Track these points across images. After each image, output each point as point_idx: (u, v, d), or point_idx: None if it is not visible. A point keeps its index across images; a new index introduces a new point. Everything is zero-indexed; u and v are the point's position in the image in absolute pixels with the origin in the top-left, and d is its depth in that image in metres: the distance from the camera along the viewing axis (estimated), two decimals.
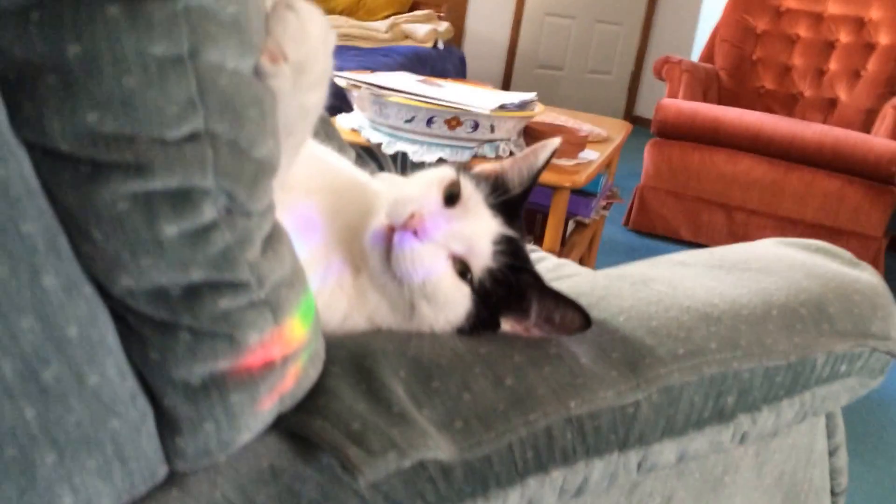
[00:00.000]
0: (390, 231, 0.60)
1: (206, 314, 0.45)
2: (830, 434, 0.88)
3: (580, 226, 2.46)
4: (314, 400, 0.53)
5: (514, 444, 0.55)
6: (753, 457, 0.78)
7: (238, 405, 0.48)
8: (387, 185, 0.67)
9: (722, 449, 0.68)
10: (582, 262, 2.81)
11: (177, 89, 0.40)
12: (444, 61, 4.29)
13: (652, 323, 0.65)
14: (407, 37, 4.35)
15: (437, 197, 0.62)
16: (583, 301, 0.67)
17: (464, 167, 0.67)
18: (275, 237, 0.49)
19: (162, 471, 0.48)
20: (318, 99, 0.53)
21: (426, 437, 0.51)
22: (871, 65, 3.58)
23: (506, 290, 0.62)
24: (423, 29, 4.33)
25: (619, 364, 0.61)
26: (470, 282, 0.61)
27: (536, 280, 0.64)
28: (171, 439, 0.47)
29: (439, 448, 0.51)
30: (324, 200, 0.64)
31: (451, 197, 0.63)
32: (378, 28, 4.29)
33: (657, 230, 3.47)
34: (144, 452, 0.47)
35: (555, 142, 0.68)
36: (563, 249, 2.27)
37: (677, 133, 3.35)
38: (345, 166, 0.72)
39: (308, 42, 0.49)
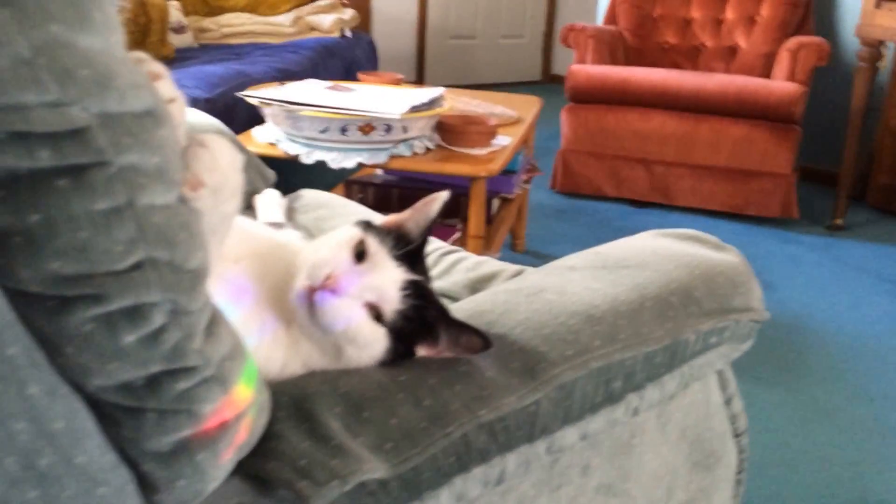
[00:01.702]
0: (311, 291, 0.72)
1: (166, 397, 0.55)
2: (723, 387, 1.02)
3: (506, 201, 2.59)
4: (266, 444, 0.65)
5: (437, 454, 0.68)
6: (656, 419, 0.92)
7: (203, 462, 0.59)
8: (304, 245, 0.79)
9: (618, 423, 0.82)
10: (513, 233, 2.96)
11: (120, 233, 0.51)
12: (353, 49, 4.35)
13: (544, 331, 0.78)
14: (313, 29, 4.40)
15: (347, 256, 0.74)
16: (487, 318, 0.80)
17: (369, 224, 0.79)
18: (214, 322, 0.60)
19: None
20: (234, 206, 0.64)
21: (361, 462, 0.64)
22: (765, 10, 3.77)
23: (416, 325, 0.75)
24: (327, 19, 4.39)
25: (519, 372, 0.74)
26: (384, 324, 0.73)
27: (442, 314, 0.76)
28: (152, 496, 0.58)
29: (374, 469, 0.64)
30: (251, 266, 0.75)
31: (360, 254, 0.75)
32: (282, 23, 4.32)
33: (582, 190, 3.64)
34: None
35: (443, 195, 0.80)
36: (491, 227, 2.39)
37: (590, 97, 3.51)
38: (263, 231, 0.83)
39: (219, 168, 0.60)
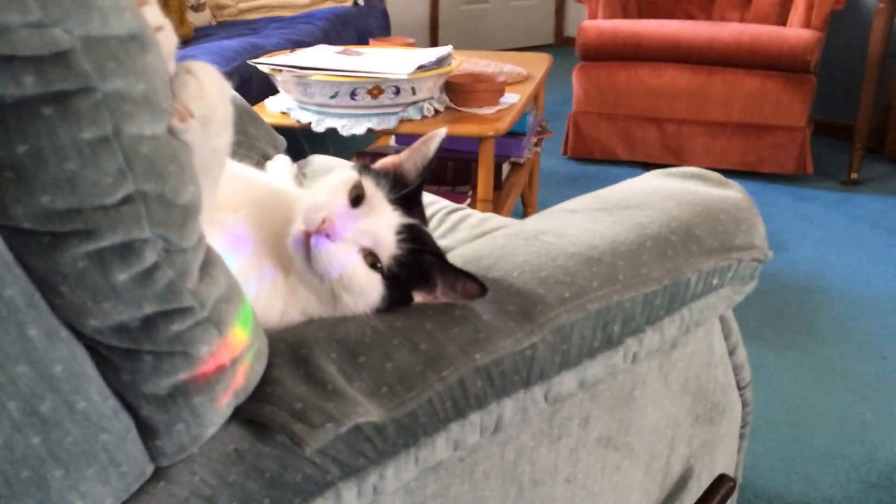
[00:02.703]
0: (307, 236, 0.71)
1: (161, 339, 0.55)
2: (726, 336, 1.01)
3: (515, 166, 2.57)
4: (263, 389, 0.65)
5: (433, 399, 0.68)
6: (657, 369, 0.91)
7: (201, 406, 0.59)
8: (302, 192, 0.78)
9: (617, 370, 0.81)
10: (524, 199, 2.94)
11: (108, 164, 0.50)
12: (367, 18, 4.32)
13: (542, 273, 0.77)
14: None
15: (343, 200, 0.73)
16: (484, 262, 0.80)
17: (365, 167, 0.78)
18: (208, 263, 0.59)
19: (149, 469, 0.60)
20: (225, 140, 0.63)
21: (357, 405, 0.63)
22: None
23: (412, 271, 0.74)
24: None
25: (515, 315, 0.73)
26: (380, 270, 0.73)
27: (438, 259, 0.75)
28: (152, 442, 0.59)
29: (369, 413, 0.64)
30: (249, 214, 0.75)
31: (357, 198, 0.74)
32: None
33: (595, 154, 3.60)
34: (133, 456, 0.58)
35: (441, 132, 0.79)
36: (500, 193, 2.37)
37: (601, 54, 3.46)
38: (261, 178, 0.83)
39: (208, 98, 0.58)
